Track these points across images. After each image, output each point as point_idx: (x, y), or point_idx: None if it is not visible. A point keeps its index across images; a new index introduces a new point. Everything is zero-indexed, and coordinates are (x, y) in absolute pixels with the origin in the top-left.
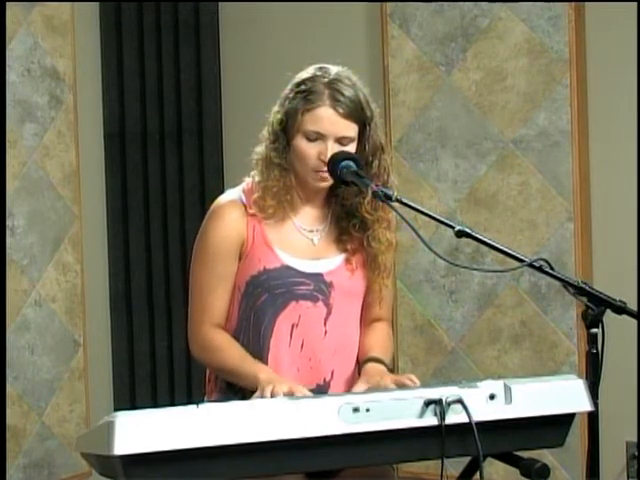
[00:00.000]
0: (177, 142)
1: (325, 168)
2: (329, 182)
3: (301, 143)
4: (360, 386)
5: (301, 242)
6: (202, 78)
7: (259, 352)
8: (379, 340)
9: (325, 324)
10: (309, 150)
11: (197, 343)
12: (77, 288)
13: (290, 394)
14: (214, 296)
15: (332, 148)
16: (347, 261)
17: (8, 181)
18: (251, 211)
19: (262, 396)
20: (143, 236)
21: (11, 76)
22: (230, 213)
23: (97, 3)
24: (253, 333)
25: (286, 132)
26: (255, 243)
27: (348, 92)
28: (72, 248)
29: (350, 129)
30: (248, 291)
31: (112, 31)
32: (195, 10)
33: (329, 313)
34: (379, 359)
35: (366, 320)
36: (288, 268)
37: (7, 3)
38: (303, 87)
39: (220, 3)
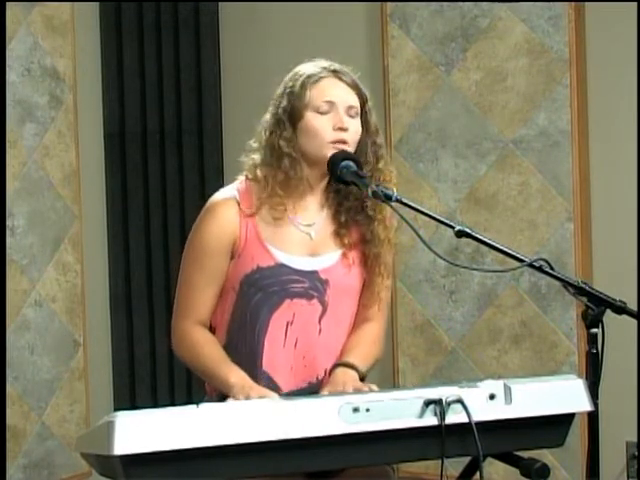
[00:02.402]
0: (177, 142)
1: (343, 136)
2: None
3: (313, 119)
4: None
5: (297, 238)
6: (202, 78)
7: (254, 351)
8: (361, 343)
9: (320, 322)
10: (323, 123)
11: (176, 337)
12: (77, 288)
13: None
14: (200, 294)
15: (345, 119)
16: (344, 256)
17: (8, 181)
18: (247, 210)
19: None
20: (143, 236)
21: (11, 76)
22: (224, 211)
23: (97, 3)
24: (248, 332)
25: (292, 119)
26: (248, 241)
27: (345, 71)
28: (72, 248)
29: (356, 99)
30: (243, 290)
31: (112, 31)
32: (195, 10)
33: (324, 311)
34: (351, 364)
35: (358, 319)
36: (282, 266)
37: (7, 3)
38: (301, 72)
39: (220, 3)
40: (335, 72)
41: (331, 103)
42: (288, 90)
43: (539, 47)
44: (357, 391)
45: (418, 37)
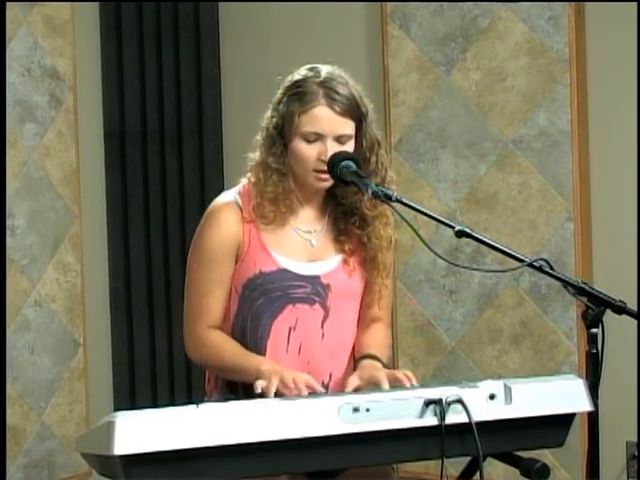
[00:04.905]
0: (177, 142)
1: (326, 168)
2: (330, 182)
3: (300, 145)
4: (353, 379)
5: (298, 244)
6: (202, 78)
7: None
8: (376, 339)
9: (322, 327)
10: (308, 152)
11: (193, 343)
12: (77, 288)
13: (302, 385)
14: (210, 299)
15: (331, 147)
16: (345, 262)
17: (8, 181)
18: (248, 216)
19: (269, 385)
20: (143, 236)
21: (11, 76)
22: (226, 216)
23: (97, 3)
24: (250, 336)
25: (283, 136)
26: (251, 246)
27: (342, 90)
28: (72, 248)
29: (348, 127)
30: (245, 294)
31: (112, 31)
32: (195, 10)
33: (326, 316)
34: (375, 356)
35: (364, 320)
36: (284, 271)
37: (7, 3)
38: (296, 89)
39: (220, 3)
40: (329, 97)
41: (319, 134)
42: (282, 107)
43: (539, 47)
44: (391, 375)
45: (418, 37)
